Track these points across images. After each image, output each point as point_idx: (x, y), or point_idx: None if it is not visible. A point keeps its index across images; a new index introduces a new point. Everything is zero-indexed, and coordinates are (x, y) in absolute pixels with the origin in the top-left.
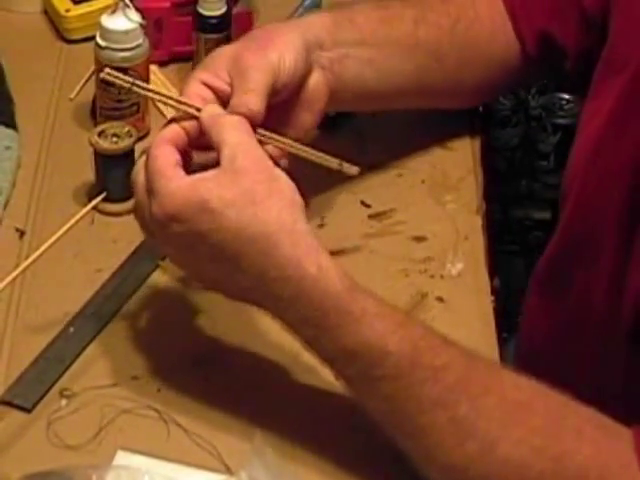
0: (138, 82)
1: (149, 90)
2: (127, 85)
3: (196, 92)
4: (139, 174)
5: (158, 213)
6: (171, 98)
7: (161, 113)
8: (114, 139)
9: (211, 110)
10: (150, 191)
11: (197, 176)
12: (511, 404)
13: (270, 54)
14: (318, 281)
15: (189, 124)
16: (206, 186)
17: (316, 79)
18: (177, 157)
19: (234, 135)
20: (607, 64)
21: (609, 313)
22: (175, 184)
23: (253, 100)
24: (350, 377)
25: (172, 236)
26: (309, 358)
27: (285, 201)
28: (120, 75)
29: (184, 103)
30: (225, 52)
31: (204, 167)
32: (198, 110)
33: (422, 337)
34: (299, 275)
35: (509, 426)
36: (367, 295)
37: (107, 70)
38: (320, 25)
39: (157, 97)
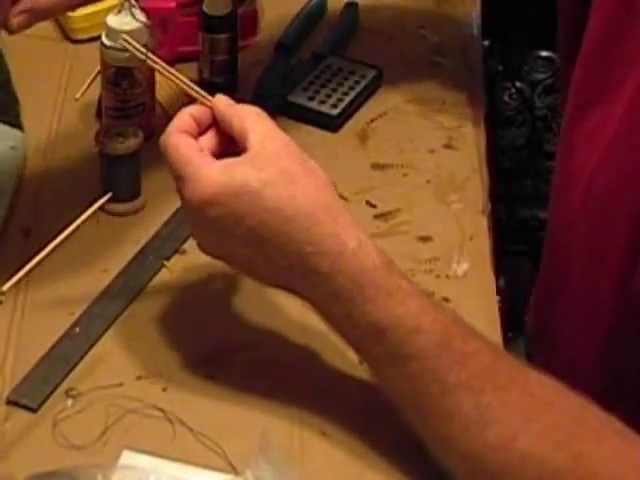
0: (151, 56)
1: (162, 66)
2: (141, 57)
3: None
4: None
5: (192, 199)
6: (180, 79)
7: (166, 113)
8: (120, 139)
9: (225, 100)
10: (179, 179)
11: (228, 160)
12: (534, 399)
13: None
14: (357, 255)
15: (200, 113)
16: (241, 169)
17: None
18: (198, 143)
19: (259, 124)
20: (612, 47)
21: (617, 310)
22: (207, 169)
23: None
24: (377, 356)
25: (207, 220)
26: (315, 357)
27: (320, 180)
28: (135, 44)
29: (190, 87)
30: None
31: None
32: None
33: (453, 322)
34: (338, 249)
35: (531, 420)
36: (402, 274)
37: (124, 36)
38: None
39: (168, 75)
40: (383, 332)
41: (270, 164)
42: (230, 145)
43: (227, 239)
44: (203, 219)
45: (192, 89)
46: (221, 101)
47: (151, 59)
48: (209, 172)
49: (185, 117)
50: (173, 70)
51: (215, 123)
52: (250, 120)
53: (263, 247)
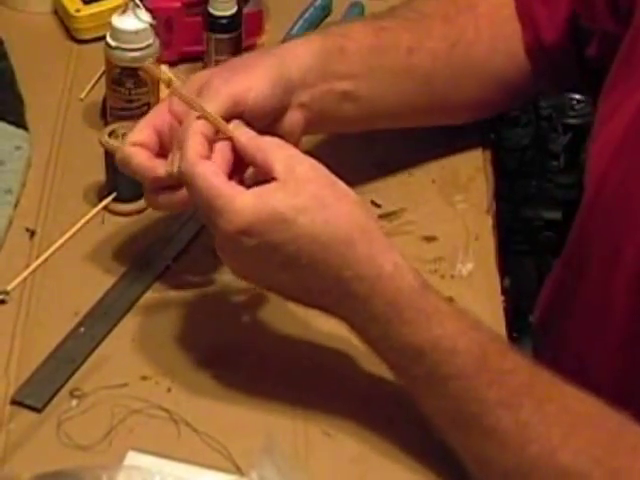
0: (176, 80)
1: (183, 95)
2: (166, 80)
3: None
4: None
5: (228, 230)
6: (202, 109)
7: None
8: (124, 139)
9: (245, 132)
10: (210, 210)
11: (259, 189)
12: (572, 414)
13: (238, 83)
14: (394, 278)
15: (208, 131)
16: (274, 197)
17: (291, 118)
18: (221, 170)
19: (281, 152)
20: (633, 55)
21: (632, 309)
22: (240, 199)
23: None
24: (415, 376)
25: (244, 250)
26: (319, 358)
27: (352, 202)
28: (165, 69)
29: (213, 117)
30: (198, 77)
31: None
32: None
33: (490, 340)
34: (376, 273)
35: (569, 435)
36: (438, 295)
37: (151, 61)
38: (308, 57)
39: (189, 102)
40: (421, 353)
41: (301, 190)
42: (240, 161)
43: (264, 267)
44: (240, 249)
45: (214, 120)
46: (242, 134)
47: (175, 88)
48: (242, 202)
49: (200, 139)
50: (197, 99)
51: (222, 139)
52: (272, 151)
53: (301, 273)
